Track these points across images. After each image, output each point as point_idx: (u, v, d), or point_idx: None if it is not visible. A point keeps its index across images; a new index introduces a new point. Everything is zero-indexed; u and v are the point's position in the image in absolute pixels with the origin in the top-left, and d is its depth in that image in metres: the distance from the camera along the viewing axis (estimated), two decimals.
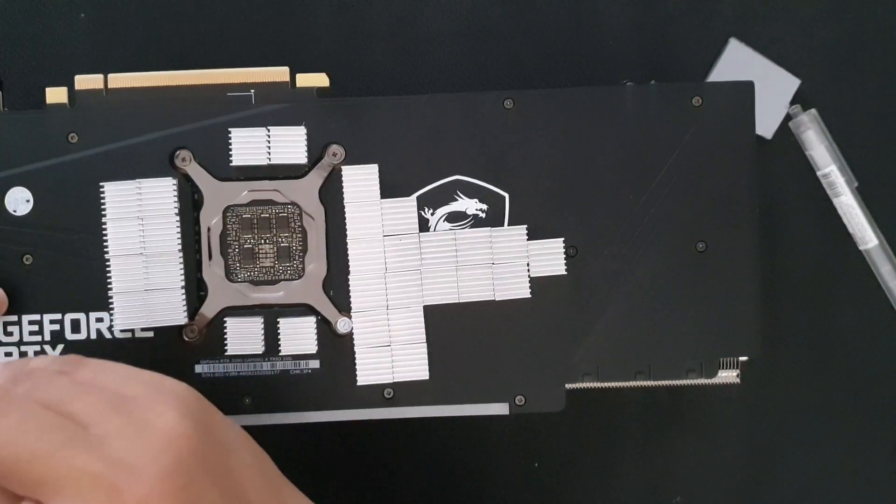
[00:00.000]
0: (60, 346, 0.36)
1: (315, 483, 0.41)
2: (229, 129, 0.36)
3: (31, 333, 0.36)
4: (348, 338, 0.36)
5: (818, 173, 0.42)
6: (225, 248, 0.36)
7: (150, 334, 0.36)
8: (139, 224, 0.35)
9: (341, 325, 0.36)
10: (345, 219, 0.36)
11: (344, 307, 0.36)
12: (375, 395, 0.36)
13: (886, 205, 0.42)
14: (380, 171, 0.36)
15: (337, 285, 0.36)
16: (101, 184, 0.35)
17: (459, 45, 0.41)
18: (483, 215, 0.36)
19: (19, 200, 0.35)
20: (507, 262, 0.36)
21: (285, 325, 0.36)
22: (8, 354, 0.36)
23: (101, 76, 0.36)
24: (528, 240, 0.36)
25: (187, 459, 0.27)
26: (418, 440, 0.41)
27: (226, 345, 0.36)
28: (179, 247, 0.36)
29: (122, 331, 0.36)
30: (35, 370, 0.29)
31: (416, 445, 0.41)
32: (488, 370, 0.36)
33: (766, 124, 0.41)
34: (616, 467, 0.41)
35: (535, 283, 0.36)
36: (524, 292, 0.36)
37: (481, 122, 0.36)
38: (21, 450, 0.26)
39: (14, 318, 0.36)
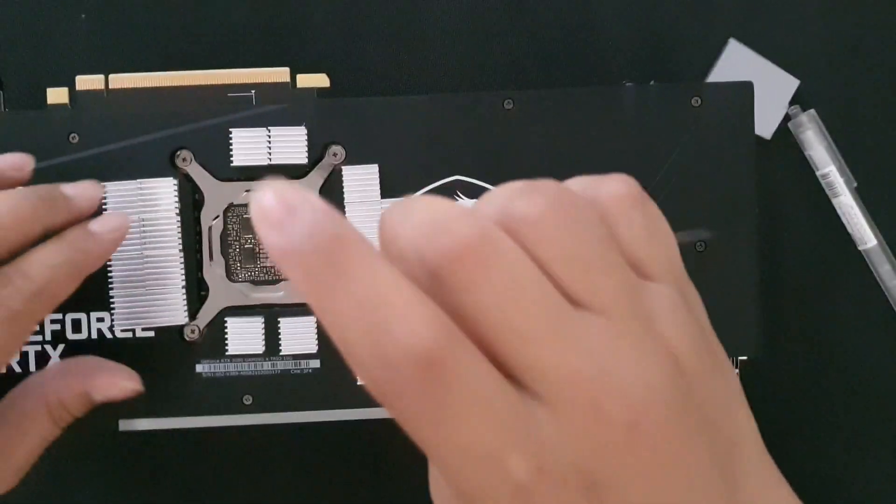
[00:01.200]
0: (61, 347, 0.36)
1: (315, 483, 0.41)
2: (230, 130, 0.36)
3: (32, 333, 0.36)
4: None
5: (817, 173, 0.42)
6: (226, 248, 0.36)
7: (151, 334, 0.36)
8: (140, 224, 0.35)
9: None
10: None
11: None
12: None
13: (886, 205, 0.42)
14: (380, 171, 0.36)
15: None
16: (101, 184, 0.35)
17: (459, 45, 0.41)
18: None
19: None
20: None
21: (286, 324, 0.36)
22: None
23: (101, 77, 0.36)
24: None
25: (678, 393, 0.21)
26: None
27: (226, 345, 0.36)
28: (180, 247, 0.36)
29: (122, 330, 0.36)
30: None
31: (415, 445, 0.41)
32: None
33: (765, 125, 0.41)
34: None
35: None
36: None
37: (481, 122, 0.36)
38: (509, 321, 0.20)
39: None
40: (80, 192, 0.34)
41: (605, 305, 0.21)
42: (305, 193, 0.19)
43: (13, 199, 0.31)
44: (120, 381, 0.34)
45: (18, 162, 0.34)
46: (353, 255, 0.20)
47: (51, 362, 0.35)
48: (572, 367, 0.20)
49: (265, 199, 0.19)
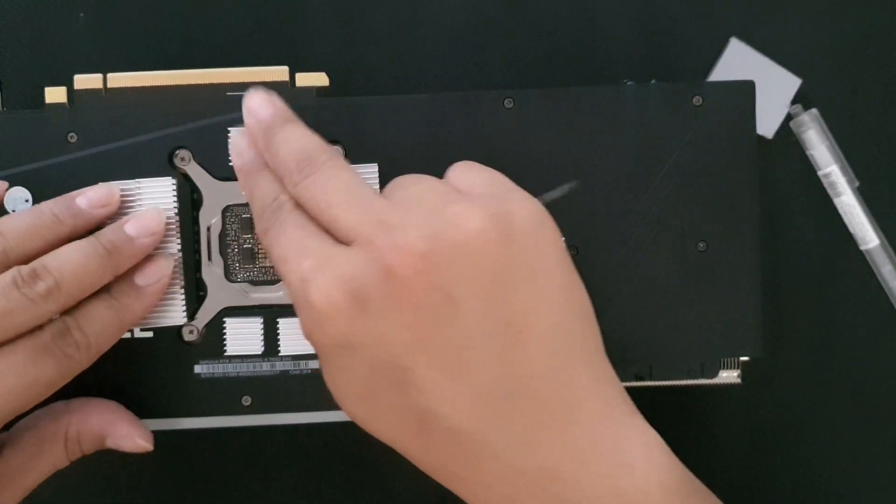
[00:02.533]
0: None
1: (314, 484, 0.41)
2: (228, 129, 0.36)
3: None
4: None
5: (819, 173, 0.41)
6: (224, 248, 0.36)
7: (150, 334, 0.36)
8: None
9: None
10: None
11: None
12: None
13: (887, 205, 0.42)
14: (380, 171, 0.36)
15: None
16: (100, 183, 0.35)
17: (459, 45, 0.41)
18: None
19: (18, 200, 0.35)
20: None
21: (285, 325, 0.36)
22: None
23: (100, 76, 0.36)
24: None
25: (451, 244, 0.29)
26: None
27: (225, 345, 0.36)
28: (179, 247, 0.35)
29: None
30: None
31: None
32: None
33: (766, 124, 0.41)
34: None
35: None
36: None
37: (481, 122, 0.36)
38: (322, 197, 0.31)
39: None
40: (139, 230, 0.34)
41: (418, 200, 0.31)
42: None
43: (79, 254, 0.33)
44: (137, 437, 0.35)
45: (102, 199, 0.35)
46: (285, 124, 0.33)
47: (77, 398, 0.35)
48: (364, 220, 0.30)
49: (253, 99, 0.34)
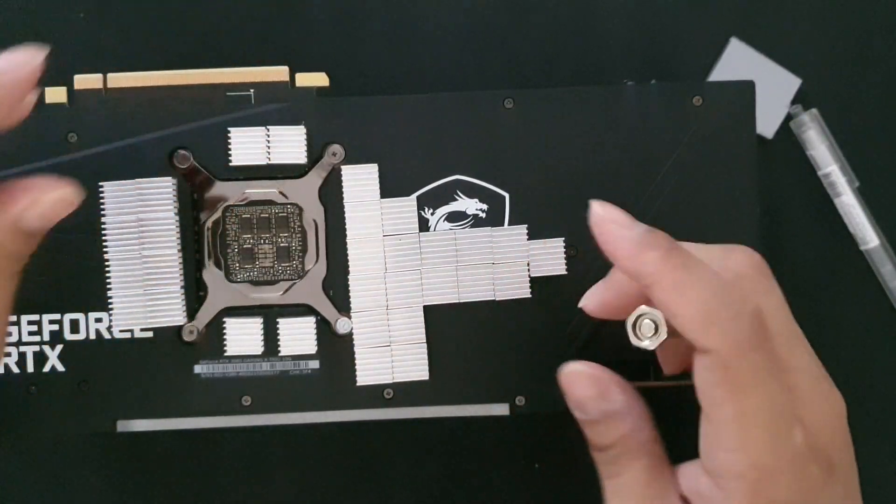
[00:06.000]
0: (59, 347, 0.36)
1: (314, 484, 0.41)
2: (228, 129, 0.36)
3: (31, 334, 0.36)
4: (348, 338, 0.36)
5: (819, 173, 0.41)
6: (224, 248, 0.36)
7: (150, 334, 0.36)
8: (138, 224, 0.35)
9: (341, 326, 0.36)
10: (344, 218, 0.36)
11: (343, 307, 0.36)
12: (375, 395, 0.36)
13: (887, 205, 0.42)
14: (380, 171, 0.36)
15: (336, 285, 0.36)
16: (100, 183, 0.35)
17: (459, 45, 0.41)
18: (483, 215, 0.36)
19: None
20: (507, 262, 0.36)
21: (285, 325, 0.36)
22: (7, 355, 0.36)
23: (100, 76, 0.36)
24: (528, 240, 0.36)
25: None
26: (418, 440, 0.41)
27: (225, 345, 0.36)
28: (179, 247, 0.35)
29: (121, 331, 0.36)
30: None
31: (416, 445, 0.41)
32: (488, 370, 0.36)
33: (766, 124, 0.41)
34: None
35: (536, 283, 0.36)
36: (524, 292, 0.36)
37: (481, 122, 0.36)
38: (792, 330, 0.30)
39: (13, 318, 0.36)
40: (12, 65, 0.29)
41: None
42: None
43: None
44: (45, 195, 0.30)
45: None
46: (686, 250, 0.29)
47: None
48: (814, 363, 0.30)
49: (611, 212, 0.29)
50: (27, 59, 0.29)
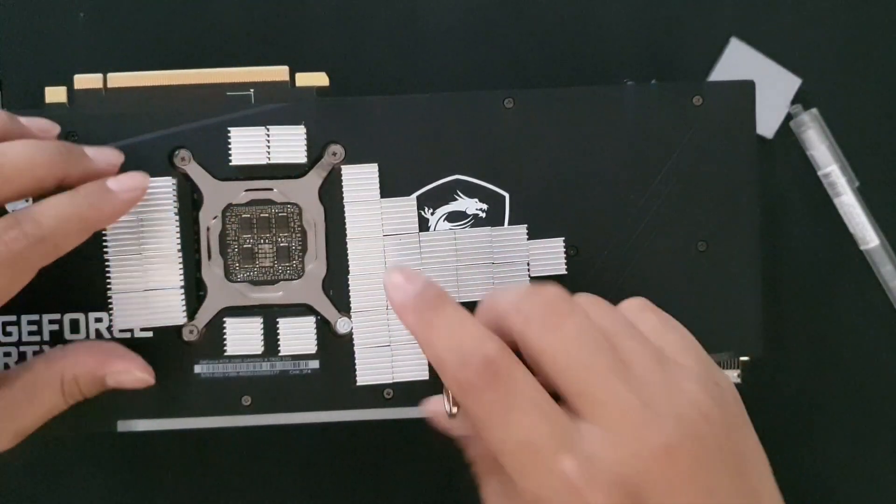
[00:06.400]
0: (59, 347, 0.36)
1: (315, 483, 0.41)
2: (228, 129, 0.36)
3: (31, 333, 0.36)
4: (348, 338, 0.36)
5: (819, 173, 0.41)
6: (224, 248, 0.36)
7: (150, 334, 0.36)
8: (138, 224, 0.35)
9: (341, 325, 0.36)
10: (344, 218, 0.36)
11: (343, 307, 0.36)
12: (375, 395, 0.36)
13: (887, 205, 0.42)
14: (380, 171, 0.36)
15: (336, 285, 0.36)
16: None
17: (459, 45, 0.41)
18: (483, 215, 0.36)
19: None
20: (507, 262, 0.36)
21: (285, 325, 0.36)
22: (7, 355, 0.36)
23: (100, 76, 0.36)
24: (528, 240, 0.36)
25: (704, 434, 0.28)
26: (418, 440, 0.41)
27: (225, 345, 0.36)
28: (179, 247, 0.35)
29: (121, 331, 0.36)
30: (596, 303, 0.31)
31: (416, 445, 0.41)
32: None
33: (767, 124, 0.41)
34: None
35: (536, 283, 0.36)
36: None
37: (481, 121, 0.36)
38: (574, 360, 0.28)
39: (13, 318, 0.36)
40: (101, 154, 0.34)
41: (645, 369, 0.29)
42: (418, 273, 0.31)
43: (31, 146, 0.32)
44: (135, 371, 0.34)
45: (45, 125, 0.34)
46: (446, 303, 0.29)
47: (76, 341, 0.35)
48: (622, 397, 0.27)
49: (394, 276, 0.30)
50: (141, 183, 0.34)
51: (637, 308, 0.32)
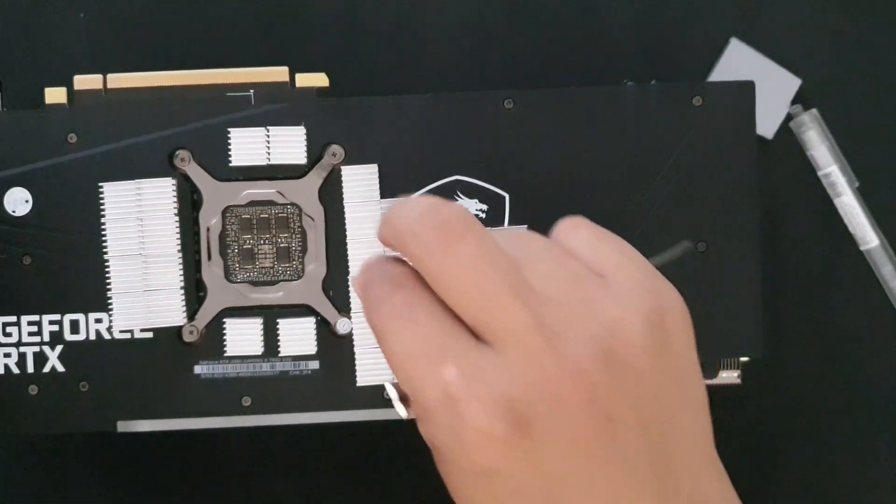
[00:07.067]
0: (59, 347, 0.36)
1: (314, 484, 0.41)
2: (228, 129, 0.36)
3: (31, 334, 0.36)
4: (348, 338, 0.36)
5: (819, 173, 0.41)
6: (224, 249, 0.36)
7: (150, 335, 0.36)
8: (138, 224, 0.35)
9: (341, 326, 0.36)
10: (344, 219, 0.36)
11: (343, 308, 0.36)
12: (375, 395, 0.36)
13: (887, 205, 0.42)
14: (380, 172, 0.36)
15: (336, 286, 0.36)
16: (100, 184, 0.35)
17: (459, 45, 0.41)
18: (483, 215, 0.36)
19: (18, 201, 0.35)
20: None
21: (285, 325, 0.36)
22: (7, 356, 0.36)
23: (100, 76, 0.36)
24: None
25: (619, 362, 0.25)
26: (418, 440, 0.41)
27: (225, 345, 0.36)
28: (178, 247, 0.35)
29: (121, 331, 0.36)
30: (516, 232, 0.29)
31: (415, 446, 0.41)
32: None
33: (766, 124, 0.41)
34: None
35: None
36: None
37: (481, 122, 0.36)
38: (468, 284, 0.25)
39: (13, 318, 0.36)
40: None
41: (558, 290, 0.26)
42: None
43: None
44: None
45: None
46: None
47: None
48: (519, 319, 0.25)
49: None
50: None
51: (569, 226, 0.29)
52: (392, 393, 0.28)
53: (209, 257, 0.36)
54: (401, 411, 0.29)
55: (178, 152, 0.36)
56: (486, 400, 0.25)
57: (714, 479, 0.28)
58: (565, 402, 0.25)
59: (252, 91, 0.36)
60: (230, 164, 0.36)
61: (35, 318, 0.36)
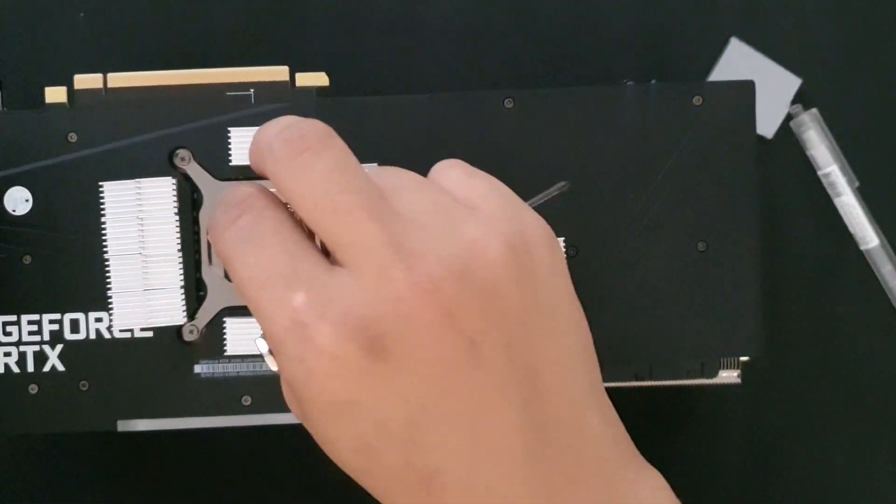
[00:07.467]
0: (59, 346, 0.36)
1: (314, 483, 0.41)
2: (228, 129, 0.36)
3: (31, 333, 0.36)
4: None
5: (819, 173, 0.41)
6: None
7: (150, 334, 0.36)
8: (138, 224, 0.35)
9: None
10: None
11: None
12: None
13: (888, 205, 0.42)
14: None
15: None
16: (100, 183, 0.35)
17: (459, 45, 0.41)
18: None
19: (18, 200, 0.35)
20: None
21: None
22: (7, 355, 0.36)
23: (100, 76, 0.36)
24: None
25: (478, 281, 0.25)
26: None
27: (225, 345, 0.36)
28: (179, 247, 0.35)
29: (121, 331, 0.36)
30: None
31: None
32: None
33: (766, 124, 0.41)
34: None
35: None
36: None
37: (481, 122, 0.36)
38: (322, 199, 0.25)
39: (13, 317, 0.36)
40: None
41: (419, 213, 0.26)
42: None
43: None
44: None
45: None
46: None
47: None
48: (371, 236, 0.24)
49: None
50: None
51: (443, 166, 0.29)
52: (262, 346, 0.27)
53: (209, 257, 0.36)
54: (271, 365, 0.27)
55: (178, 152, 0.36)
56: (335, 322, 0.24)
57: (594, 412, 0.27)
58: (418, 320, 0.24)
59: (252, 91, 0.36)
60: (230, 164, 0.36)
61: (35, 317, 0.36)
